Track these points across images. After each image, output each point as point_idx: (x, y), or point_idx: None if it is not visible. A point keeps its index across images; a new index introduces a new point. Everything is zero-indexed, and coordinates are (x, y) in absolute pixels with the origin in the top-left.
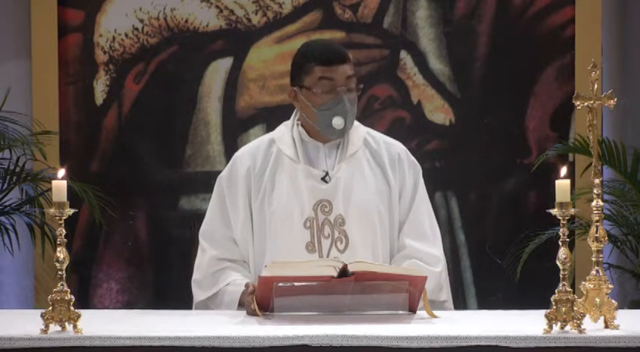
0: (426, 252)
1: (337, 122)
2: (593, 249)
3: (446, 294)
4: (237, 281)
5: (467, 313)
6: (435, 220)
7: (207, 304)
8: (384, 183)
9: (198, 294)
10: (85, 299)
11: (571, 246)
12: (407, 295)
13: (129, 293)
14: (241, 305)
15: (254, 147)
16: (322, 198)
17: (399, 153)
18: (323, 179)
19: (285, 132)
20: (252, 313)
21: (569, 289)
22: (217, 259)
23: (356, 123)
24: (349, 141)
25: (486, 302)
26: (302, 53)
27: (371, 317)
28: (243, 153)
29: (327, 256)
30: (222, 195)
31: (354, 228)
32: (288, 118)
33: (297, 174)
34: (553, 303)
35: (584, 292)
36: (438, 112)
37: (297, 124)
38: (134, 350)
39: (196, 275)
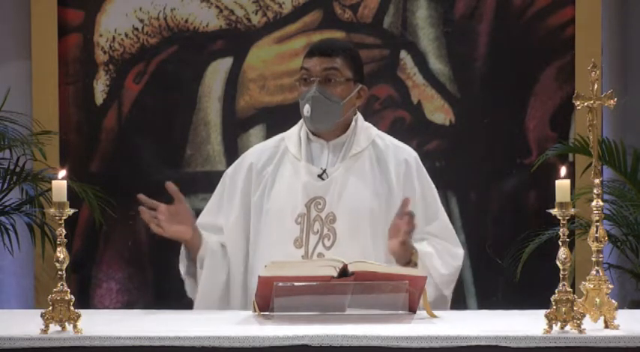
0: (450, 247)
1: (306, 109)
2: (593, 249)
3: (450, 291)
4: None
5: (467, 313)
6: (451, 225)
7: (186, 268)
8: (385, 186)
9: (181, 267)
10: (85, 299)
11: (571, 246)
12: (407, 295)
13: (129, 293)
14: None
15: (263, 145)
16: (317, 194)
17: (407, 158)
18: (320, 176)
19: (295, 131)
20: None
21: (569, 289)
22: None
23: (367, 124)
24: (354, 141)
25: (486, 302)
26: None
27: (371, 317)
28: (251, 151)
29: (313, 252)
30: (222, 190)
31: (344, 226)
32: (288, 118)
33: (297, 171)
34: (553, 303)
35: (584, 292)
36: (438, 112)
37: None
38: (134, 350)
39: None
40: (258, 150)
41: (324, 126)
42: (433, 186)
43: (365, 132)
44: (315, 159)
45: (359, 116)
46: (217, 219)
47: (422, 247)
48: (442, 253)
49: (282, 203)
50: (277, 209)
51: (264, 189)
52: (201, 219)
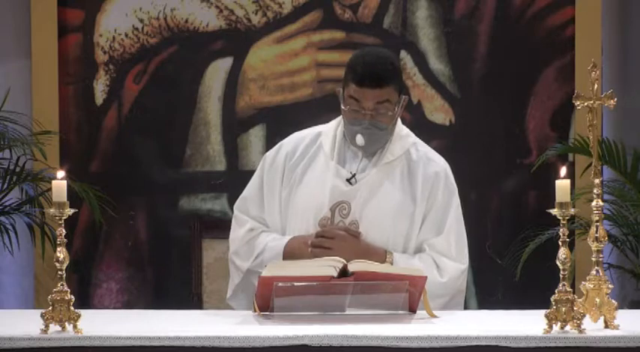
0: (445, 262)
1: (359, 140)
2: (593, 249)
3: (437, 304)
4: (276, 238)
5: (467, 313)
6: (465, 244)
7: (251, 271)
8: (411, 199)
9: (240, 265)
10: (85, 299)
11: (571, 246)
12: (407, 295)
13: (129, 293)
14: (289, 255)
15: (302, 136)
16: (343, 199)
17: (437, 171)
18: (348, 181)
19: (332, 128)
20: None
21: (569, 289)
22: (250, 230)
23: (405, 131)
24: (388, 149)
25: (486, 302)
26: (351, 61)
27: (371, 317)
28: (289, 140)
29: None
30: (262, 176)
31: (365, 235)
32: (288, 118)
33: (326, 172)
34: (553, 303)
35: (584, 292)
36: (438, 112)
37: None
38: (134, 350)
39: (233, 247)
40: (295, 141)
41: (374, 150)
42: (456, 201)
43: (401, 140)
44: (348, 161)
45: (398, 122)
46: (264, 214)
47: (404, 258)
48: (429, 265)
49: (307, 203)
50: (301, 209)
51: (293, 185)
52: (253, 211)
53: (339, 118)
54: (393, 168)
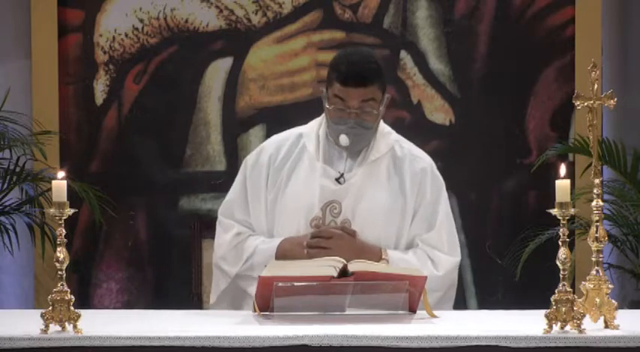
0: (439, 256)
1: (343, 140)
2: (593, 249)
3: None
4: (266, 241)
5: (467, 313)
6: (456, 238)
7: (240, 276)
8: (400, 196)
9: (229, 270)
10: (85, 299)
11: (571, 246)
12: (407, 295)
13: (129, 293)
14: (282, 257)
15: (283, 138)
16: (333, 198)
17: (424, 167)
18: (337, 180)
19: (313, 128)
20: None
21: (569, 289)
22: (237, 234)
23: (387, 129)
24: (373, 147)
25: (486, 302)
26: (335, 60)
27: (371, 317)
28: (270, 142)
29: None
30: (244, 180)
31: (360, 233)
32: (288, 118)
33: (313, 172)
34: (553, 303)
35: (584, 292)
36: (438, 112)
37: (325, 123)
38: (134, 350)
39: (219, 253)
40: (277, 143)
41: (359, 148)
42: (444, 196)
43: (385, 138)
44: (333, 161)
45: (380, 121)
46: (249, 217)
47: (398, 254)
48: (423, 260)
49: (296, 203)
50: (291, 209)
51: (279, 187)
52: (237, 215)
53: (320, 118)
54: (379, 166)
